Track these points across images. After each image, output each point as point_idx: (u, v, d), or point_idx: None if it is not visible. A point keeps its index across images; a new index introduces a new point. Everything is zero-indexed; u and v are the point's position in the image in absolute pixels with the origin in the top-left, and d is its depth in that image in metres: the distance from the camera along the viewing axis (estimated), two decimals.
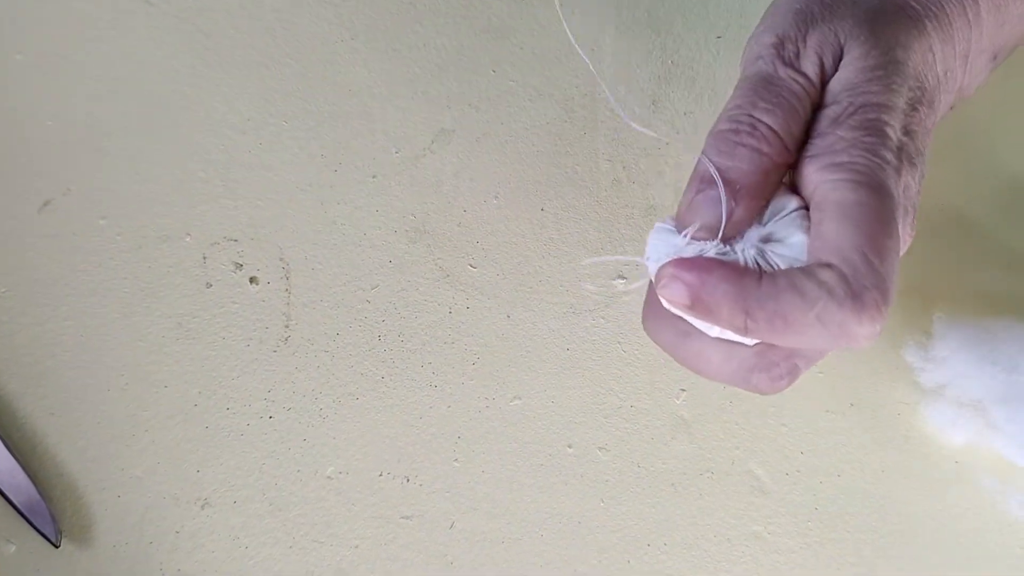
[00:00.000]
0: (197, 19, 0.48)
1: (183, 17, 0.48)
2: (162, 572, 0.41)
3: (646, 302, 0.37)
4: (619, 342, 0.44)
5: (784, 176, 0.34)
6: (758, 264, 0.32)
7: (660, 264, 0.32)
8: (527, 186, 0.47)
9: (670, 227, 0.34)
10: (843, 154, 0.32)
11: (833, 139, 0.33)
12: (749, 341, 0.33)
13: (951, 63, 0.37)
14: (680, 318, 0.34)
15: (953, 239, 0.47)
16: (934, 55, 0.36)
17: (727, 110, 0.34)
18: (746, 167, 0.33)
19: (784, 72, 0.34)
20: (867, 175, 0.32)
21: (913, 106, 0.34)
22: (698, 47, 0.49)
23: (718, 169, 0.33)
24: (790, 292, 0.30)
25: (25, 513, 0.40)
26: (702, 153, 0.34)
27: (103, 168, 0.45)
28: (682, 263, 0.31)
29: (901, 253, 0.34)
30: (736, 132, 0.33)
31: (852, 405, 0.44)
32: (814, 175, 0.33)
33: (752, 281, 0.31)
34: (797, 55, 0.35)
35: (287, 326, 0.44)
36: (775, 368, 0.34)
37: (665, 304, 0.33)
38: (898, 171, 0.33)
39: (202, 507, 0.41)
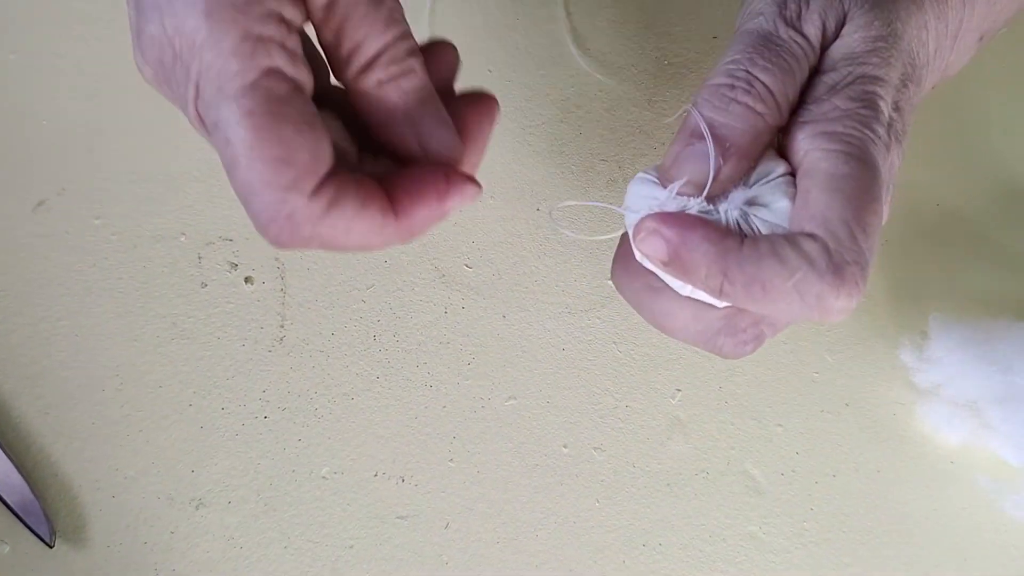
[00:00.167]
0: None
1: None
2: (157, 572, 0.40)
3: (618, 252, 0.36)
4: (615, 342, 0.44)
5: (774, 138, 0.34)
6: (739, 227, 0.31)
7: (640, 216, 0.32)
8: (523, 186, 0.47)
9: (653, 178, 0.33)
10: (837, 123, 0.32)
11: (829, 107, 0.32)
12: (719, 303, 0.33)
13: (942, 41, 0.37)
14: (651, 273, 0.33)
15: (950, 239, 0.47)
16: (928, 32, 0.36)
17: (723, 63, 0.33)
18: (739, 125, 0.32)
19: (785, 32, 0.33)
20: (859, 148, 0.31)
21: (904, 82, 0.34)
22: (694, 48, 0.49)
23: (709, 124, 0.32)
24: (771, 259, 0.30)
25: (19, 513, 0.40)
26: (693, 105, 0.33)
27: (98, 168, 0.45)
28: (664, 218, 0.31)
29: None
30: (732, 88, 0.32)
31: (847, 405, 0.44)
32: (805, 141, 0.32)
33: (734, 244, 0.30)
34: (799, 16, 0.34)
35: (282, 326, 0.44)
36: (741, 333, 0.34)
37: (638, 257, 0.32)
38: (887, 147, 0.32)
39: (197, 507, 0.41)
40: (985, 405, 0.43)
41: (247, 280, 0.44)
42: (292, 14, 0.27)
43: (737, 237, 0.31)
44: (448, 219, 0.46)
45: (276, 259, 0.44)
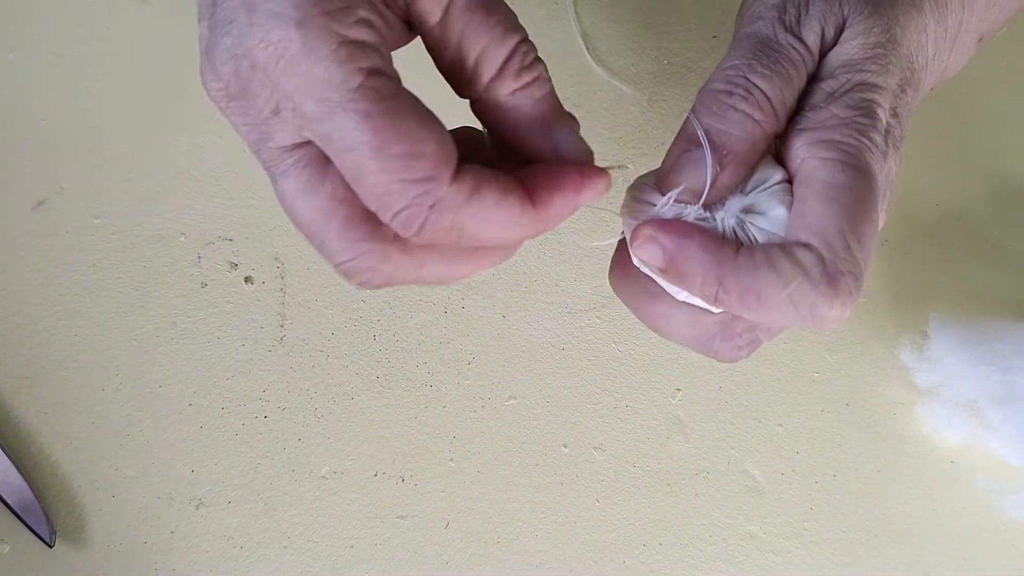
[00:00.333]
0: (191, 18, 0.47)
1: (177, 16, 0.47)
2: (156, 572, 0.40)
3: (616, 256, 0.36)
4: (615, 342, 0.44)
5: (771, 145, 0.33)
6: (736, 234, 0.31)
7: (637, 222, 0.32)
8: None
9: (650, 184, 0.33)
10: (835, 132, 0.32)
11: (826, 115, 0.32)
12: (715, 309, 0.33)
13: (941, 43, 0.37)
14: (649, 277, 0.33)
15: (949, 240, 0.47)
16: (927, 36, 0.36)
17: (722, 69, 0.33)
18: (737, 132, 0.32)
19: (784, 38, 0.33)
20: (856, 157, 0.31)
21: (902, 88, 0.34)
22: (694, 48, 0.49)
23: (707, 131, 0.32)
24: (766, 268, 0.30)
25: (19, 513, 0.40)
26: (692, 112, 0.33)
27: (97, 167, 0.45)
28: (661, 225, 0.31)
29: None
30: (730, 94, 0.32)
31: (848, 405, 0.44)
32: (802, 149, 0.32)
33: (729, 252, 0.30)
34: (798, 21, 0.34)
35: (282, 326, 0.44)
36: (737, 338, 0.34)
37: (636, 262, 0.33)
38: (884, 155, 0.32)
39: (197, 507, 0.41)
40: (984, 405, 0.43)
41: (247, 280, 0.44)
42: (381, 24, 0.27)
43: (733, 246, 0.31)
44: None
45: (276, 259, 0.44)
